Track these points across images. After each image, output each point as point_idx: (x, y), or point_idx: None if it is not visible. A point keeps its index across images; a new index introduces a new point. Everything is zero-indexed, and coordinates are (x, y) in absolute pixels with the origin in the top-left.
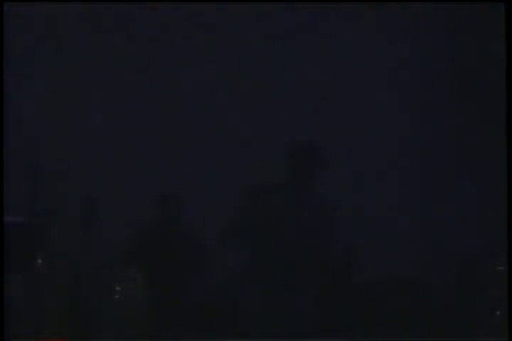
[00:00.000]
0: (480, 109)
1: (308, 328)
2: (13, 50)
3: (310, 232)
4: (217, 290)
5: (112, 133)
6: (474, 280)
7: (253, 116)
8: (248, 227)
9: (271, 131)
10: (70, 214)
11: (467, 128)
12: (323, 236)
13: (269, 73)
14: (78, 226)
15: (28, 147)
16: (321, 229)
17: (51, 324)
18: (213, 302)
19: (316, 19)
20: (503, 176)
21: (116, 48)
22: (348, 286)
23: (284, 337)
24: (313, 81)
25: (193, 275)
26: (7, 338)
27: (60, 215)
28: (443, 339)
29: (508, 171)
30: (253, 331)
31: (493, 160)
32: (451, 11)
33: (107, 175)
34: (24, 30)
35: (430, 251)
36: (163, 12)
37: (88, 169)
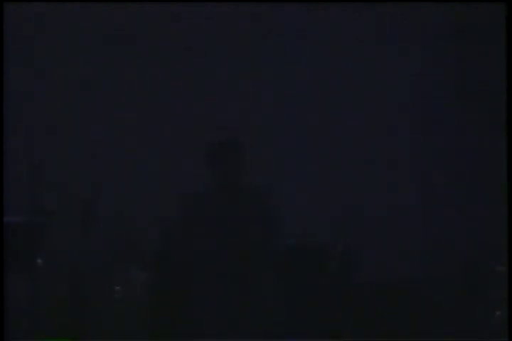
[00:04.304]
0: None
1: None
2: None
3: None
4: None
5: (112, 133)
6: (474, 280)
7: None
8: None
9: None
10: (70, 214)
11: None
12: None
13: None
14: (78, 226)
15: (28, 146)
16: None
17: (51, 324)
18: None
19: None
20: (503, 176)
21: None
22: (346, 286)
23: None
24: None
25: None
26: (7, 338)
27: (60, 215)
28: (443, 339)
29: (507, 171)
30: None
31: (492, 160)
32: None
33: (107, 174)
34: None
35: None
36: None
37: (88, 169)
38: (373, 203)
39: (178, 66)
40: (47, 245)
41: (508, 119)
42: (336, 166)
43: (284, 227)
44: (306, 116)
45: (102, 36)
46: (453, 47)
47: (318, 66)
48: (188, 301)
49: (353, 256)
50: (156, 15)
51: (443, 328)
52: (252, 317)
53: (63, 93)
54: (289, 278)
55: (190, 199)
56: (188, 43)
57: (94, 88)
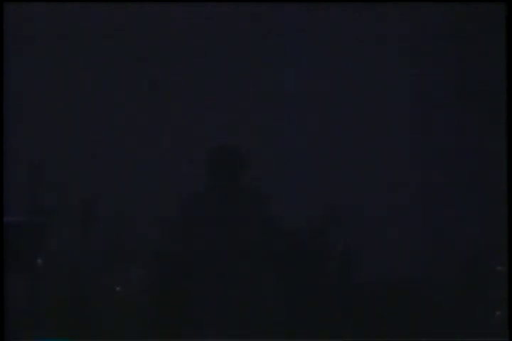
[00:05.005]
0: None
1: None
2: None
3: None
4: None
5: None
6: (474, 280)
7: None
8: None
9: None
10: (70, 214)
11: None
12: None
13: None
14: (78, 226)
15: (28, 146)
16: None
17: (51, 324)
18: None
19: None
20: (503, 176)
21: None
22: (346, 286)
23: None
24: None
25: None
26: (7, 338)
27: (60, 215)
28: (443, 339)
29: (507, 172)
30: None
31: (492, 160)
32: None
33: (107, 174)
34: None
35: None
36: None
37: (88, 168)
38: (373, 203)
39: (178, 66)
40: (47, 245)
41: (508, 119)
42: (336, 166)
43: (284, 227)
44: (306, 116)
45: (102, 36)
46: (453, 47)
47: (318, 66)
48: (188, 301)
49: (353, 256)
50: (156, 16)
51: (443, 328)
52: (252, 317)
53: (63, 93)
54: (289, 278)
55: (190, 199)
56: (188, 43)
57: (94, 88)
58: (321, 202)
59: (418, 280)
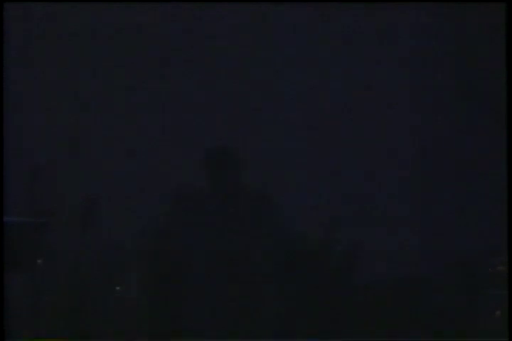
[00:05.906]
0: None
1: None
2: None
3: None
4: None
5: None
6: (474, 280)
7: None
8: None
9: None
10: (70, 215)
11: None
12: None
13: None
14: (78, 226)
15: (28, 147)
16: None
17: (51, 324)
18: None
19: None
20: (503, 175)
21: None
22: (346, 286)
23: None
24: None
25: None
26: (7, 338)
27: (60, 215)
28: (443, 339)
29: (507, 171)
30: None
31: (492, 160)
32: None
33: (107, 174)
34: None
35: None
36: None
37: (88, 169)
38: (373, 203)
39: (178, 66)
40: (47, 245)
41: (508, 119)
42: (337, 166)
43: (284, 227)
44: (306, 116)
45: (101, 36)
46: (453, 47)
47: (318, 66)
48: (188, 301)
49: (353, 256)
50: (156, 16)
51: (443, 328)
52: (251, 317)
53: (63, 93)
54: (288, 278)
55: (190, 199)
56: (188, 43)
57: (94, 89)
58: (321, 202)
59: (418, 280)
